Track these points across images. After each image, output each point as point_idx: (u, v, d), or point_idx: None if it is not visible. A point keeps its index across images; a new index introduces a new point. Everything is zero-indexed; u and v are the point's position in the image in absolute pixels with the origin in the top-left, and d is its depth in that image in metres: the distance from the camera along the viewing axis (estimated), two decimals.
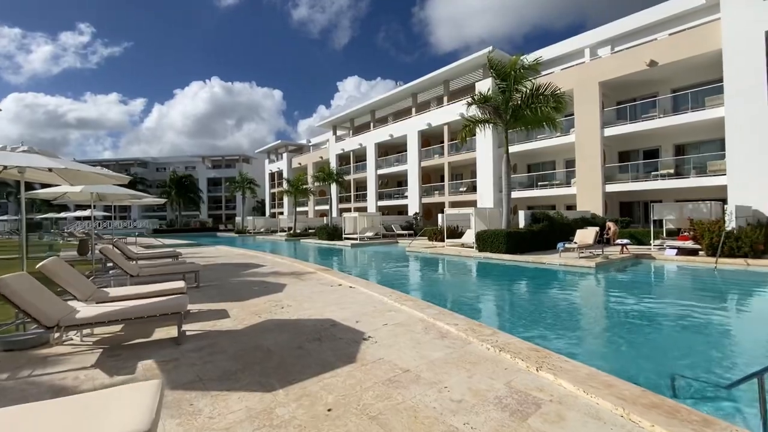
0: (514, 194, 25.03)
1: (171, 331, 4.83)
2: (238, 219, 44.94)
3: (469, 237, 17.92)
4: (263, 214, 55.06)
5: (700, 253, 12.71)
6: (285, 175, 44.63)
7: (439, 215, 23.46)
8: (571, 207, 22.91)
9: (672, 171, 19.36)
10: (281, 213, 48.61)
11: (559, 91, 14.52)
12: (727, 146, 16.29)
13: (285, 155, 49.47)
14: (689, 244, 13.37)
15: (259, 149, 56.21)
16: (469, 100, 15.78)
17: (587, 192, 21.14)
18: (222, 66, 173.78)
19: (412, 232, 26.66)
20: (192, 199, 49.69)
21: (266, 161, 55.21)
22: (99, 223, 47.31)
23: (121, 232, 38.20)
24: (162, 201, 14.04)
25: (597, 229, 13.65)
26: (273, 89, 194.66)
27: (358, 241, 22.46)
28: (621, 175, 21.35)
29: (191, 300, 6.72)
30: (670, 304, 7.69)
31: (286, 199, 46.73)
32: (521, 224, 16.18)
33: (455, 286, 9.92)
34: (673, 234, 15.87)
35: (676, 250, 12.89)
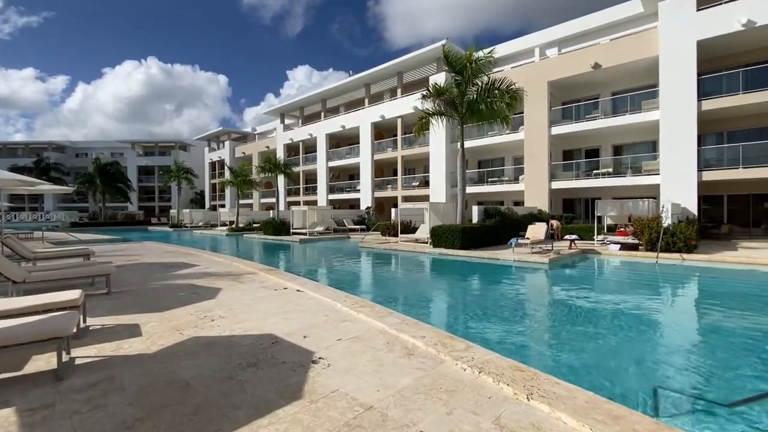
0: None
1: (54, 359, 3.61)
2: (173, 212, 41.17)
3: (423, 232, 17.53)
4: (203, 206, 51.18)
5: (640, 248, 13.28)
6: (227, 164, 41.61)
7: (392, 210, 22.91)
8: (518, 203, 23.48)
9: (611, 170, 20.42)
10: (222, 206, 45.44)
11: (513, 87, 14.44)
12: (660, 148, 17.36)
13: (227, 143, 46.20)
14: (630, 239, 13.97)
15: (199, 136, 52.05)
16: (425, 92, 15.25)
17: (535, 189, 21.70)
18: (161, 46, 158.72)
19: (364, 226, 25.89)
20: (119, 189, 44.71)
21: (206, 149, 51.26)
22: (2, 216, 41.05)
23: (29, 226, 33.24)
24: (69, 189, 11.84)
25: (553, 223, 13.80)
26: (218, 74, 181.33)
27: (307, 237, 21.24)
28: (564, 173, 22.18)
29: (95, 312, 5.39)
30: (626, 300, 7.66)
31: (228, 191, 43.73)
32: (474, 219, 16.05)
33: (413, 286, 9.31)
34: (611, 229, 16.65)
35: (619, 246, 13.39)
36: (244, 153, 44.41)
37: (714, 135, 18.40)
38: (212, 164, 49.84)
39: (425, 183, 27.79)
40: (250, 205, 42.16)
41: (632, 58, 18.45)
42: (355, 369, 3.47)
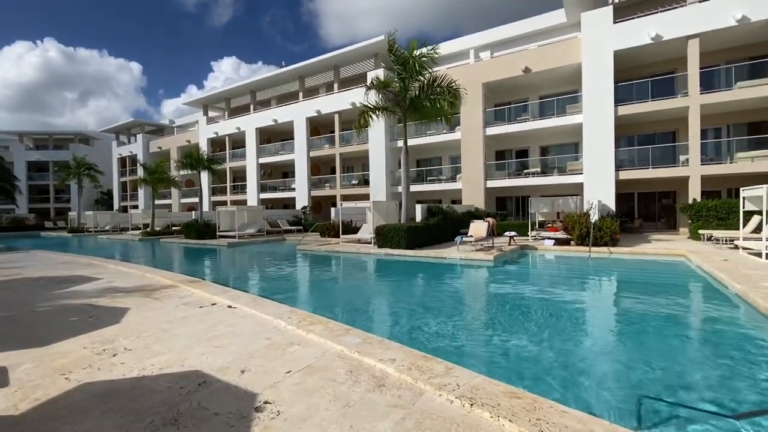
0: (402, 188, 25.11)
1: None
2: (72, 214, 35.59)
3: (366, 232, 16.89)
4: (110, 207, 45.12)
5: (572, 242, 14.02)
6: (141, 160, 36.99)
7: (332, 209, 21.96)
8: (455, 201, 23.94)
9: (539, 170, 21.63)
10: (135, 207, 40.43)
11: (454, 85, 14.40)
12: (584, 149, 18.70)
13: (140, 137, 41.11)
14: (560, 234, 14.72)
15: (105, 128, 45.79)
16: (369, 84, 14.60)
17: (471, 187, 22.23)
18: (60, 26, 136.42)
19: (301, 227, 24.52)
20: (3, 188, 37.51)
21: (114, 143, 45.21)
22: None
23: None
24: None
25: (489, 221, 13.98)
26: (130, 61, 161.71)
27: (236, 240, 19.40)
28: (498, 172, 23.06)
29: None
30: (577, 294, 7.75)
31: (141, 190, 39.02)
32: (418, 218, 15.80)
33: (365, 293, 8.56)
34: (542, 225, 17.58)
35: (553, 241, 14.00)
36: (160, 148, 39.89)
37: (626, 138, 20.31)
38: (122, 160, 44.10)
39: (365, 182, 27.18)
40: (169, 206, 37.99)
41: (559, 63, 19.63)
42: (315, 415, 2.67)
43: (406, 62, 14.03)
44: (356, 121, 15.39)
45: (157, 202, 28.71)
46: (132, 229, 28.48)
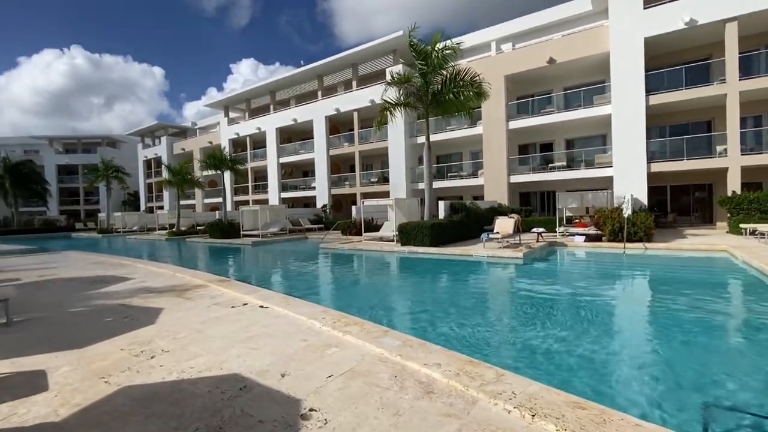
0: (423, 185, 24.74)
1: None
2: (101, 216, 36.79)
3: (388, 230, 16.73)
4: (137, 208, 46.44)
5: (603, 238, 13.48)
6: (165, 161, 37.90)
7: (353, 207, 21.91)
8: (477, 197, 23.48)
9: (564, 163, 20.96)
10: (161, 207, 41.48)
11: (478, 79, 14.03)
12: (613, 141, 17.98)
13: (164, 139, 42.12)
14: (590, 230, 14.18)
15: (131, 131, 47.13)
16: (389, 79, 14.40)
17: (494, 183, 21.76)
18: (86, 34, 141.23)
19: (322, 225, 24.58)
20: (35, 191, 39.09)
21: (140, 146, 46.49)
22: None
23: None
24: None
25: (514, 217, 13.59)
26: (153, 66, 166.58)
27: (260, 239, 19.57)
28: (521, 167, 22.49)
29: None
30: (620, 292, 7.38)
31: (167, 191, 39.97)
32: (441, 215, 15.53)
33: (394, 292, 8.38)
34: (569, 221, 17.01)
35: (584, 237, 13.49)
36: (183, 149, 40.77)
37: (657, 129, 19.43)
38: (147, 162, 45.31)
39: (384, 179, 27.01)
40: (193, 206, 38.82)
41: (585, 53, 18.94)
42: (365, 424, 2.51)
43: (427, 57, 13.75)
44: (377, 117, 15.20)
45: (181, 202, 29.31)
46: (159, 229, 29.20)
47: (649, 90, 17.20)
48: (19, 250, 17.97)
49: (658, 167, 17.19)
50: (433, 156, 26.58)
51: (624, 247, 11.90)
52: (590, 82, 20.69)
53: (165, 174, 30.74)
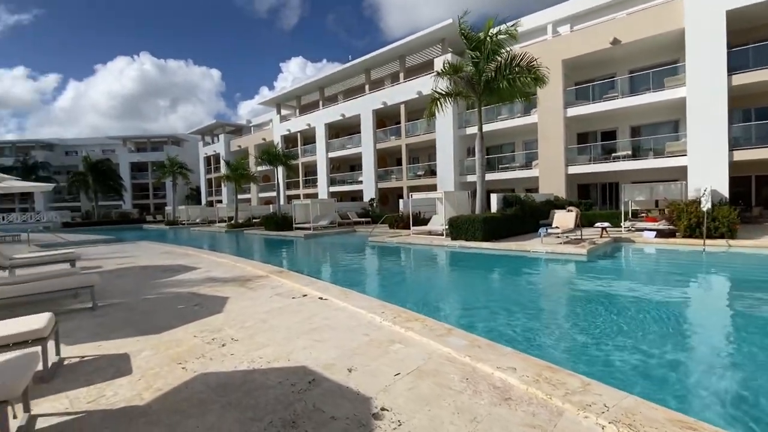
0: (472, 178, 24.09)
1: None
2: (168, 209, 39.82)
3: (437, 223, 16.44)
4: (199, 202, 49.76)
5: (677, 234, 12.26)
6: (223, 158, 40.18)
7: (400, 200, 21.83)
8: (530, 190, 22.44)
9: (629, 153, 19.34)
10: (219, 201, 44.11)
11: (536, 63, 13.24)
12: (688, 127, 16.28)
13: (222, 137, 44.62)
14: (661, 225, 12.95)
15: (192, 130, 50.40)
16: (440, 69, 14.01)
17: (549, 174, 20.62)
18: (153, 41, 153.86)
19: (369, 219, 24.77)
20: (111, 186, 43.18)
21: (200, 144, 49.65)
22: None
23: (17, 228, 31.86)
24: (48, 186, 10.61)
25: (575, 211, 12.75)
26: (211, 69, 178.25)
27: (311, 231, 20.10)
28: (579, 157, 21.09)
29: (76, 336, 4.26)
30: (704, 295, 6.64)
31: (225, 186, 42.36)
32: (493, 209, 14.97)
33: (450, 288, 8.14)
34: (635, 215, 15.69)
35: (654, 233, 12.35)
36: (239, 146, 42.93)
37: (741, 112, 17.29)
38: (207, 159, 48.31)
39: (431, 172, 26.64)
40: (248, 200, 40.89)
41: (654, 31, 17.24)
42: (441, 430, 2.38)
43: (480, 44, 13.19)
44: (427, 109, 14.88)
45: (238, 196, 30.90)
46: (218, 222, 31.05)
47: (732, 69, 15.30)
48: (101, 240, 19.89)
49: (741, 155, 15.33)
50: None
51: (704, 244, 10.73)
52: (659, 63, 18.86)
53: (223, 170, 32.54)
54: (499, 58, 13.27)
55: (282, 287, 6.69)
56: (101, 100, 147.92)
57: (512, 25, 12.69)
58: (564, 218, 12.53)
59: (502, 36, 12.69)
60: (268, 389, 2.98)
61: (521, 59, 13.29)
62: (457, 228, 13.30)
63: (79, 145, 59.49)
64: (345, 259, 12.90)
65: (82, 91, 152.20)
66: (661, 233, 12.47)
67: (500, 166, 23.84)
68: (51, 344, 3.68)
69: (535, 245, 11.48)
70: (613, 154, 19.63)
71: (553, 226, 12.34)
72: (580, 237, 12.52)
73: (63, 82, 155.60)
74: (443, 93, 14.34)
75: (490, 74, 13.47)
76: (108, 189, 42.34)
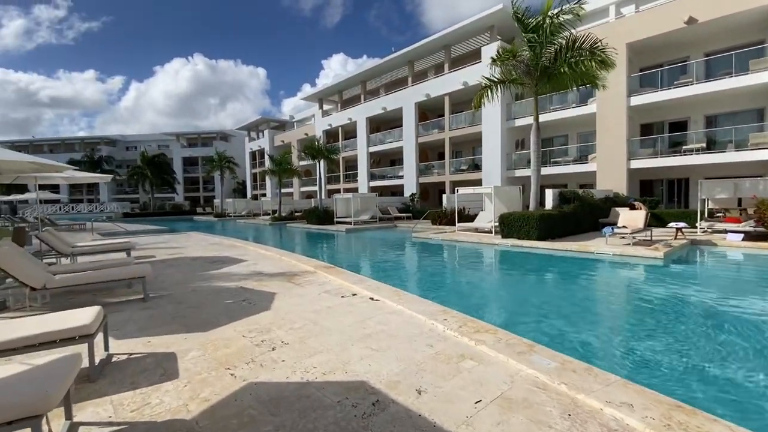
0: (520, 172, 22.84)
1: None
2: (216, 201, 41.48)
3: (484, 220, 15.61)
4: (244, 196, 51.50)
5: None
6: (267, 153, 41.18)
7: (444, 196, 21.11)
8: (584, 185, 20.85)
9: (704, 145, 17.33)
10: (264, 195, 45.32)
11: (600, 45, 12.01)
12: None
13: (266, 132, 45.73)
14: (748, 227, 11.34)
15: (238, 126, 52.13)
16: (495, 56, 13.11)
17: (609, 168, 19.01)
18: (206, 43, 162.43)
19: (410, 214, 24.23)
20: (166, 180, 45.69)
21: (246, 139, 51.27)
22: (61, 207, 43.18)
23: (84, 217, 34.46)
24: (107, 177, 11.02)
25: (645, 210, 11.48)
26: (257, 67, 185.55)
27: (352, 226, 19.89)
28: (641, 150, 19.25)
29: (125, 329, 4.09)
30: None
31: (269, 180, 43.45)
32: (548, 205, 13.91)
33: (506, 291, 7.39)
34: (710, 214, 13.98)
35: (742, 236, 10.83)
36: (283, 141, 43.79)
37: None
38: (252, 154, 49.82)
39: (474, 166, 25.58)
40: (291, 194, 41.66)
41: (738, 8, 15.21)
42: None
43: (538, 27, 12.15)
44: (475, 98, 14.02)
45: (281, 190, 31.43)
46: (263, 215, 31.81)
47: None
48: (155, 230, 20.86)
49: None
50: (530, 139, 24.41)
51: None
52: (741, 45, 16.72)
53: (267, 164, 33.24)
54: (561, 41, 12.17)
55: (330, 284, 6.34)
56: (159, 99, 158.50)
57: (576, 2, 11.52)
58: (633, 217, 11.31)
59: (565, 16, 11.58)
60: (326, 409, 2.56)
61: (584, 40, 12.10)
62: (509, 225, 12.43)
63: (138, 141, 63.57)
64: (389, 255, 12.47)
65: (143, 91, 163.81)
66: (748, 236, 10.93)
67: (552, 160, 22.36)
68: (100, 338, 3.51)
69: (599, 245, 10.42)
70: (684, 147, 17.69)
71: (620, 225, 11.17)
72: (649, 238, 11.27)
73: (126, 83, 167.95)
74: (496, 80, 13.43)
75: (549, 59, 12.41)
76: (162, 182, 44.75)
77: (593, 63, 11.28)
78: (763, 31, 16.18)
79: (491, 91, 13.75)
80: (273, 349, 3.63)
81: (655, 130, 19.80)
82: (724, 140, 17.02)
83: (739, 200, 13.87)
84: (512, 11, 12.86)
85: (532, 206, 13.08)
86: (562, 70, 11.86)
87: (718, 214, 14.23)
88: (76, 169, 8.57)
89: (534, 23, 12.32)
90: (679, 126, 19.13)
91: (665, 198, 19.68)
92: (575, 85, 12.52)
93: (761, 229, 11.00)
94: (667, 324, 5.05)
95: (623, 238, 11.32)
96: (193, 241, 13.82)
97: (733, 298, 6.37)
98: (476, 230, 15.35)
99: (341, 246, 15.06)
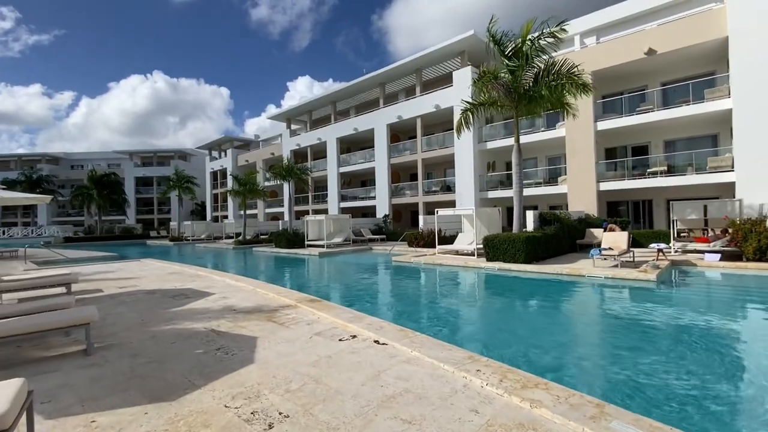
0: (493, 194, 23.02)
1: None
2: (173, 224, 38.69)
3: (463, 242, 15.22)
4: (203, 218, 48.73)
5: (744, 258, 10.96)
6: (230, 172, 39.30)
7: (421, 217, 20.64)
8: (553, 207, 21.29)
9: (665, 168, 18.18)
10: (225, 217, 43.04)
11: (576, 70, 12.24)
12: (735, 141, 15.19)
13: (230, 151, 43.89)
14: (718, 246, 11.65)
15: (200, 144, 49.79)
16: (480, 74, 13.00)
17: (580, 190, 19.47)
18: (167, 60, 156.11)
19: (383, 236, 23.54)
20: (116, 201, 42.18)
21: (207, 159, 48.95)
22: None
23: (18, 243, 30.76)
24: (45, 198, 9.41)
25: (627, 232, 11.53)
26: (220, 87, 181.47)
27: (325, 249, 18.86)
28: (607, 173, 19.97)
29: (60, 400, 2.96)
30: None
31: (231, 201, 41.38)
32: (529, 227, 13.74)
33: (524, 326, 6.36)
34: (678, 235, 14.42)
35: (719, 256, 11.05)
36: (247, 161, 42.12)
37: None
38: (213, 174, 47.52)
39: (447, 188, 25.55)
40: (255, 216, 39.80)
41: (694, 41, 16.33)
42: None
43: (518, 50, 12.24)
44: (460, 118, 13.85)
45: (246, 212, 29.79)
46: (225, 238, 29.86)
47: None
48: (102, 257, 18.71)
49: None
50: (501, 162, 24.85)
51: None
52: (694, 75, 17.97)
53: (231, 184, 31.56)
54: (540, 64, 12.29)
55: (319, 323, 5.44)
56: (113, 117, 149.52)
57: (557, 26, 11.67)
58: (615, 239, 11.28)
59: (548, 39, 11.69)
60: None
61: (561, 65, 12.30)
62: (494, 248, 12.04)
63: (85, 159, 59.05)
64: (373, 283, 11.62)
65: (95, 107, 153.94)
66: (724, 255, 11.17)
67: (524, 182, 22.66)
68: (22, 423, 2.45)
69: (588, 268, 10.19)
70: (649, 170, 18.47)
71: (605, 246, 11.07)
72: (632, 259, 11.25)
73: (77, 99, 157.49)
74: (476, 103, 13.33)
75: (528, 82, 12.48)
76: (112, 203, 41.34)
77: (573, 87, 11.39)
78: (714, 63, 17.45)
79: (472, 114, 13.63)
80: (270, 427, 2.72)
81: (618, 154, 20.66)
82: (685, 164, 17.94)
83: (705, 221, 14.41)
84: (489, 35, 12.92)
85: (515, 228, 12.83)
86: (542, 93, 11.90)
87: (683, 234, 14.71)
88: (3, 188, 7.16)
89: (513, 47, 12.40)
90: (641, 150, 20.10)
91: (631, 219, 20.36)
92: (551, 108, 12.60)
93: (731, 248, 11.31)
94: (714, 357, 4.60)
95: (606, 260, 11.21)
96: (149, 270, 12.26)
97: (743, 318, 6.14)
98: (457, 252, 14.90)
99: (317, 273, 14.02)
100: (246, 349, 4.39)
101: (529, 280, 10.14)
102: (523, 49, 12.04)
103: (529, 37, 11.97)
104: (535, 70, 12.41)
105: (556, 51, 12.82)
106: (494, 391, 3.13)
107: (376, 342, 4.51)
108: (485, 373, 3.43)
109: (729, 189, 16.57)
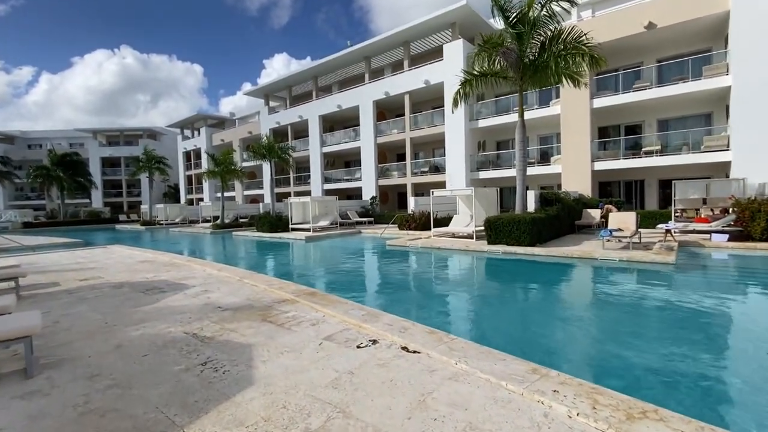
0: (484, 174, 22.35)
1: None
2: (144, 207, 36.42)
3: (460, 224, 14.51)
4: (177, 200, 46.31)
5: (751, 238, 10.67)
6: (205, 152, 37.08)
7: (412, 199, 19.75)
8: (545, 187, 20.88)
9: (659, 148, 17.88)
10: (201, 200, 40.91)
11: (585, 39, 11.39)
12: (732, 119, 14.90)
13: (204, 130, 41.35)
14: (719, 226, 11.35)
15: (171, 123, 46.80)
16: (481, 43, 11.96)
17: (574, 170, 19.01)
18: (135, 35, 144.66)
19: (371, 219, 22.61)
20: (81, 183, 39.22)
21: (179, 138, 46.14)
22: None
23: None
24: None
25: (634, 213, 11.03)
26: (193, 64, 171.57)
27: (312, 233, 17.78)
28: (600, 152, 19.57)
29: None
30: None
31: (206, 183, 39.26)
32: (531, 207, 13.09)
33: (565, 320, 5.45)
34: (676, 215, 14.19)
35: (727, 236, 10.71)
36: (222, 140, 39.82)
37: None
38: (186, 154, 44.89)
39: (435, 168, 24.69)
40: (233, 198, 37.96)
41: (695, 15, 15.78)
42: None
43: (524, 15, 11.26)
44: (456, 93, 12.89)
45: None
46: (201, 222, 28.21)
47: None
48: (64, 243, 17.03)
49: None
50: (492, 142, 24.13)
51: None
52: (692, 52, 17.52)
53: (206, 165, 29.69)
54: (546, 32, 11.38)
55: (326, 322, 4.52)
56: (78, 94, 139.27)
57: None
58: (624, 220, 10.76)
59: (560, 3, 10.73)
60: None
61: (569, 34, 11.43)
62: (497, 230, 11.32)
63: (44, 138, 54.74)
64: (370, 270, 10.72)
65: (57, 84, 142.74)
66: (732, 236, 10.85)
67: (514, 162, 22.06)
68: None
69: (598, 250, 9.63)
70: (643, 150, 18.12)
71: (613, 227, 10.53)
72: (639, 241, 10.78)
73: (36, 75, 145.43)
74: (477, 74, 12.34)
75: (534, 51, 11.57)
76: (77, 186, 38.49)
77: (581, 59, 10.57)
78: (710, 39, 17.03)
79: (471, 87, 12.66)
80: None
81: (611, 133, 20.26)
82: (679, 143, 17.67)
83: (703, 200, 14.18)
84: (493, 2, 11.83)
85: (518, 209, 12.14)
86: (550, 64, 11.03)
87: (676, 215, 14.47)
88: None
89: (517, 12, 11.41)
90: (634, 129, 19.74)
91: (624, 199, 20.15)
92: (558, 81, 11.77)
93: (739, 228, 11.02)
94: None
95: (610, 241, 10.70)
96: (116, 258, 10.95)
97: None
98: (453, 235, 14.18)
99: (305, 258, 13.00)
100: (241, 363, 3.44)
101: (540, 264, 9.48)
102: (530, 14, 11.06)
103: (541, 1, 10.98)
104: (542, 38, 11.49)
105: (567, 18, 11.92)
106: (592, 425, 2.32)
107: (405, 349, 3.64)
108: (567, 396, 2.61)
109: (722, 168, 16.44)
